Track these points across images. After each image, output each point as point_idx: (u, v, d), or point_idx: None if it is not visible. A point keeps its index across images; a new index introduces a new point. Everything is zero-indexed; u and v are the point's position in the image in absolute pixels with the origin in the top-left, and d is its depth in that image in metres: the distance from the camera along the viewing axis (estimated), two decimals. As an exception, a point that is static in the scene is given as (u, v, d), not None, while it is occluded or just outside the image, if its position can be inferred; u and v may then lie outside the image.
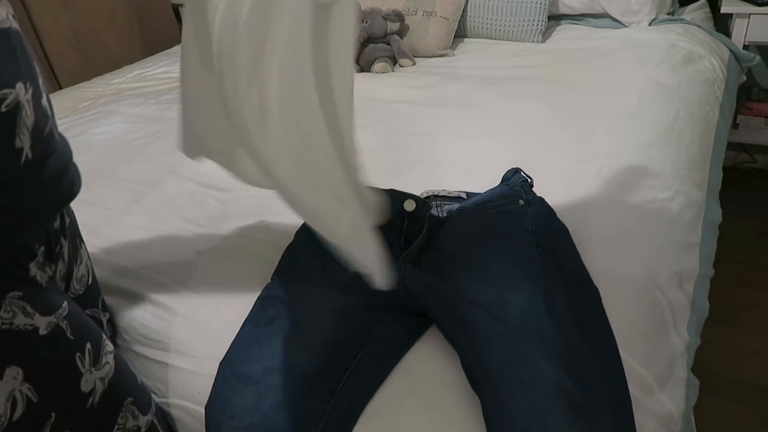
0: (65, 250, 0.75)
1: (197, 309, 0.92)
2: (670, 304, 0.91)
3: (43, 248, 0.69)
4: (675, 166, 1.18)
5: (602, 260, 0.90)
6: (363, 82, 1.73)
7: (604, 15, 2.00)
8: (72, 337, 0.67)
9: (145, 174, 1.31)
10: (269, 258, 0.95)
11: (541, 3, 1.94)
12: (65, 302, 0.69)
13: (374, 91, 1.66)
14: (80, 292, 0.80)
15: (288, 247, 0.95)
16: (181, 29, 0.90)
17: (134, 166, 1.35)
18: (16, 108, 0.59)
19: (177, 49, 2.30)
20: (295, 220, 0.89)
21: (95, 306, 0.85)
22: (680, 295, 0.95)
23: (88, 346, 0.69)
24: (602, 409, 0.70)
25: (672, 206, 1.07)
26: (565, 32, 2.00)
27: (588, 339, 0.76)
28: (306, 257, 0.91)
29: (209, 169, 1.30)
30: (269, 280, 0.91)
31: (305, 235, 0.94)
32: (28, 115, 0.61)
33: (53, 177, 0.67)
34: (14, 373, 0.61)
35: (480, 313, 0.77)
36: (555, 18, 2.06)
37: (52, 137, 0.67)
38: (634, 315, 0.84)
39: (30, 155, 0.62)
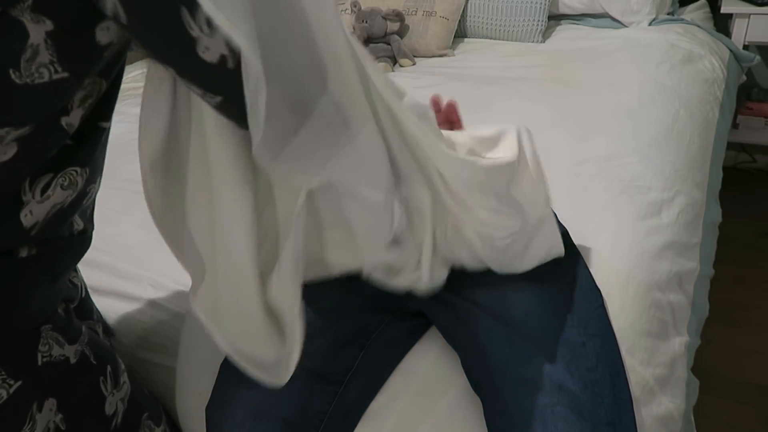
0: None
1: (197, 309, 0.92)
2: (670, 304, 0.91)
3: None
4: (675, 166, 1.18)
5: (603, 261, 0.90)
6: (363, 82, 1.73)
7: (604, 15, 2.00)
8: (95, 362, 0.68)
9: (145, 174, 1.31)
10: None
11: (541, 3, 1.94)
12: (83, 327, 0.69)
13: (374, 91, 1.66)
14: (73, 306, 0.79)
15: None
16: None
17: (134, 166, 1.33)
18: (88, 199, 0.65)
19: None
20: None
21: (90, 318, 0.84)
22: (680, 295, 0.95)
23: (109, 368, 0.70)
24: (604, 408, 0.70)
25: (672, 206, 1.07)
26: (565, 32, 2.00)
27: (590, 339, 0.76)
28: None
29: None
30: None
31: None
32: (89, 204, 0.67)
33: (84, 248, 0.70)
34: (51, 404, 0.62)
35: (481, 313, 0.77)
36: (555, 18, 2.06)
37: (93, 217, 0.72)
38: (634, 315, 0.84)
39: (75, 232, 0.66)
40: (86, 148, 0.59)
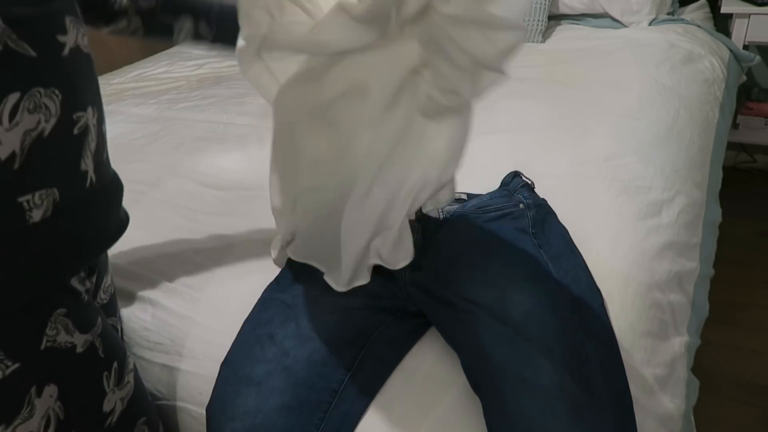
0: (100, 261, 0.76)
1: (198, 310, 0.92)
2: (670, 304, 0.91)
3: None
4: (675, 166, 1.18)
5: (603, 261, 0.90)
6: (363, 82, 1.73)
7: (604, 15, 1.99)
8: (103, 356, 0.68)
9: (145, 174, 1.31)
10: (270, 258, 0.95)
11: (541, 3, 1.94)
12: (99, 319, 0.69)
13: (374, 91, 1.66)
14: (105, 302, 0.79)
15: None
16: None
17: (134, 166, 1.35)
18: (84, 131, 0.62)
19: (176, 49, 2.30)
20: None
21: (115, 315, 0.84)
22: (680, 295, 0.95)
23: (115, 365, 0.69)
24: (604, 409, 0.70)
25: (672, 206, 1.07)
26: (565, 32, 2.00)
27: (590, 339, 0.76)
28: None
29: (209, 168, 1.31)
30: (270, 281, 0.91)
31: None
32: (92, 139, 0.64)
33: (111, 203, 0.69)
34: (51, 391, 0.61)
35: (481, 313, 0.77)
36: (555, 18, 2.06)
37: (108, 163, 0.69)
38: (634, 315, 0.84)
39: (93, 179, 0.64)
40: (46, 64, 0.56)
